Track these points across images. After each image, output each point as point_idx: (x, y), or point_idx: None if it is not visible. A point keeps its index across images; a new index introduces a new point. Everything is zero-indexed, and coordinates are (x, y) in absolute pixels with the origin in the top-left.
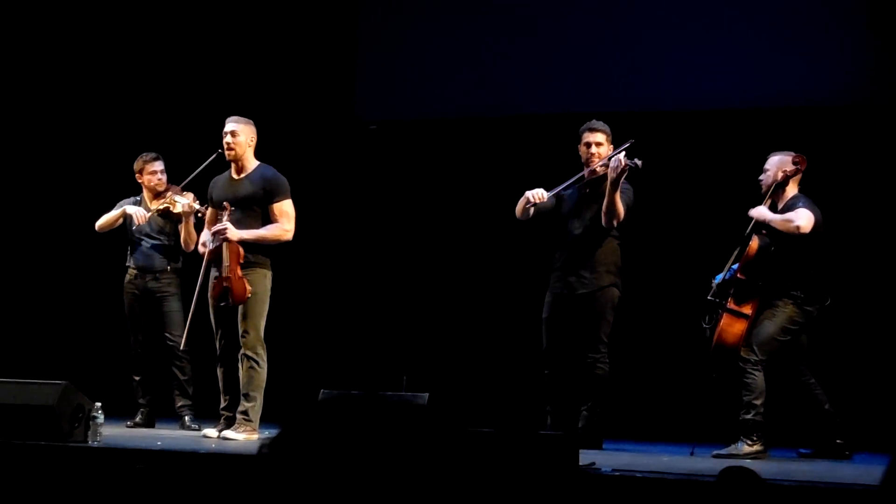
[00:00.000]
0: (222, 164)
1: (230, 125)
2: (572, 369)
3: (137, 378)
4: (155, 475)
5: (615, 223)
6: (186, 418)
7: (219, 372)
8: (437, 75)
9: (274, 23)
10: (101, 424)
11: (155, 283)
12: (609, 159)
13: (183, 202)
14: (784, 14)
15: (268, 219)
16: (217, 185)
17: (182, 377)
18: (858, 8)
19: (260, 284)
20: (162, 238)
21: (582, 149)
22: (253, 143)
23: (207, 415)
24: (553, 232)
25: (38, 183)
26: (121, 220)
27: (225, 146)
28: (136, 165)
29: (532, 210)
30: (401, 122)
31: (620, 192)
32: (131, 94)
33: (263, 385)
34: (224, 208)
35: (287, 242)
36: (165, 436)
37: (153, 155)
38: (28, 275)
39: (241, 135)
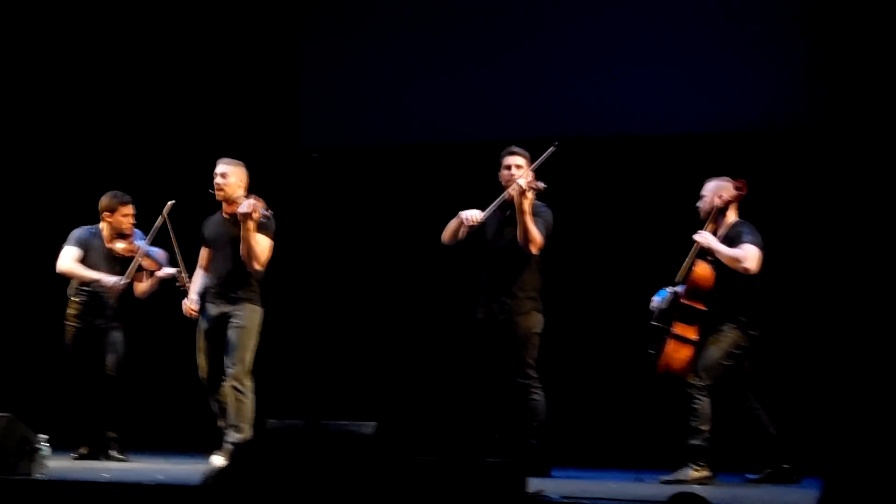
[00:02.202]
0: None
1: (221, 167)
2: (511, 394)
3: (83, 410)
4: None
5: (534, 250)
6: (114, 450)
7: (212, 402)
8: (379, 102)
9: (216, 51)
10: (46, 457)
11: (103, 319)
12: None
13: (169, 271)
14: (717, 39)
15: None
16: (210, 224)
17: (113, 408)
18: (795, 32)
19: (250, 319)
20: (114, 275)
21: (503, 173)
22: (243, 184)
23: (134, 445)
24: (479, 255)
25: None
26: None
27: (215, 186)
28: (107, 203)
29: (465, 232)
30: (343, 149)
31: (534, 216)
32: (71, 123)
33: (251, 416)
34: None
35: (254, 269)
36: (112, 467)
37: (128, 197)
38: None
39: (231, 176)
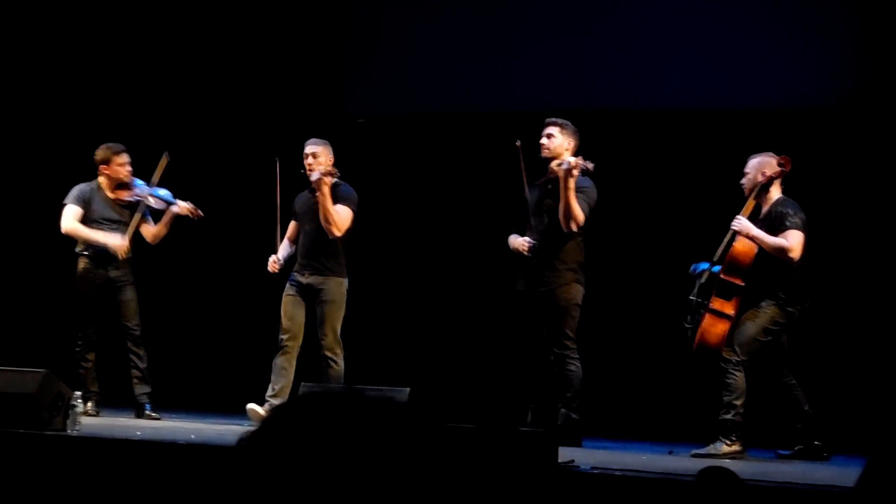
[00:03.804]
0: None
1: (310, 147)
2: (548, 365)
3: (87, 366)
4: (133, 465)
5: (574, 227)
6: (146, 407)
7: (275, 361)
8: (425, 70)
9: (264, 18)
10: (80, 413)
11: (115, 271)
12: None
13: (183, 204)
14: (767, 16)
15: None
16: (299, 199)
17: (142, 365)
18: (842, 9)
19: (337, 292)
20: (121, 227)
21: (541, 142)
22: (331, 161)
23: (164, 403)
24: (520, 227)
25: None
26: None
27: (307, 167)
28: (102, 155)
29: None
30: (389, 115)
31: (577, 193)
32: (116, 85)
33: (341, 381)
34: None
35: (333, 234)
36: (144, 425)
37: (121, 146)
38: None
39: (321, 156)
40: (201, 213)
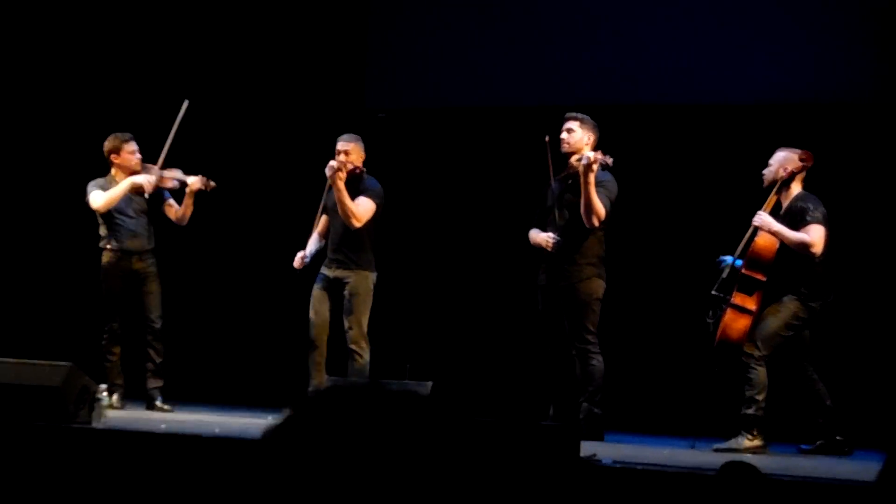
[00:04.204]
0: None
1: (341, 144)
2: (569, 359)
3: (113, 359)
4: (157, 457)
5: (596, 222)
6: (158, 399)
7: (311, 358)
8: (443, 65)
9: (286, 17)
10: (106, 406)
11: (140, 263)
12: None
13: (194, 179)
14: (791, 10)
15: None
16: (330, 194)
17: (158, 360)
18: (870, 7)
19: (362, 285)
20: (144, 217)
21: (561, 137)
22: (362, 158)
23: (177, 396)
24: (541, 221)
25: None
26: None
27: (336, 163)
28: (111, 145)
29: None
30: (409, 110)
31: (597, 187)
32: (138, 78)
33: (366, 373)
34: None
35: (352, 225)
36: (166, 418)
37: (128, 135)
38: (21, 258)
39: (352, 153)
40: (213, 184)
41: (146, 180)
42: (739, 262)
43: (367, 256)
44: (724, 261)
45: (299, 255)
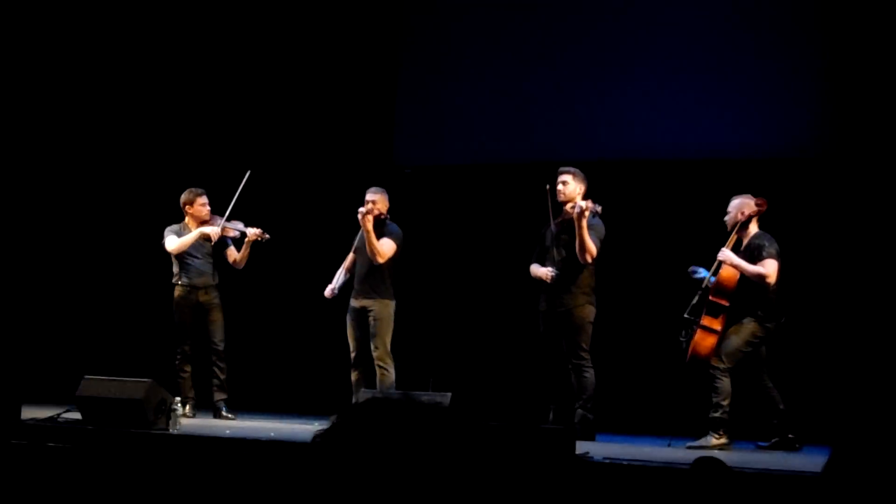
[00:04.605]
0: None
1: (370, 195)
2: (566, 373)
3: (185, 376)
4: (223, 458)
5: (589, 259)
6: (223, 409)
7: (352, 375)
8: (469, 124)
9: (322, 75)
10: (180, 416)
11: (206, 296)
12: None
13: (252, 230)
14: (744, 75)
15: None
16: (359, 237)
17: (222, 376)
18: (811, 77)
19: (384, 312)
20: (210, 258)
21: (557, 188)
22: (386, 207)
23: (238, 406)
24: (541, 258)
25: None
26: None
27: (365, 208)
28: (186, 198)
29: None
30: (433, 166)
31: (589, 229)
32: (183, 134)
33: (392, 385)
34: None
35: (376, 261)
36: (229, 425)
37: (201, 190)
38: (109, 293)
39: (378, 202)
40: (268, 236)
41: (213, 231)
42: (714, 278)
43: (388, 288)
44: (697, 271)
45: (329, 287)
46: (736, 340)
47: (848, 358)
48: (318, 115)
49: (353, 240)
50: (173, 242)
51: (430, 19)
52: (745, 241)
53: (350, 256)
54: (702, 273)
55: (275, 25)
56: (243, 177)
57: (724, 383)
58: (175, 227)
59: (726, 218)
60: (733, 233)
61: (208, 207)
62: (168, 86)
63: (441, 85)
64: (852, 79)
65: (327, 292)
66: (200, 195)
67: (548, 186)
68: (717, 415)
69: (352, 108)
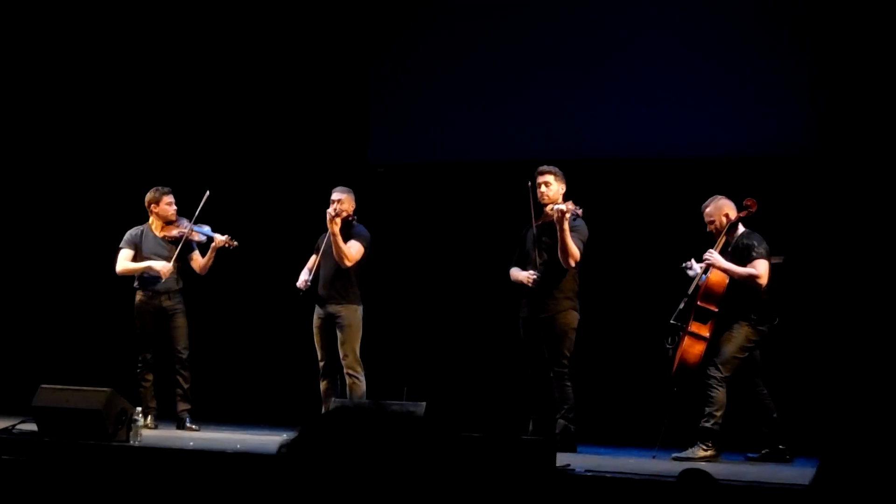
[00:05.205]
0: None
1: (336, 194)
2: (547, 381)
3: (146, 385)
4: (187, 471)
5: (572, 262)
6: (187, 420)
7: (321, 385)
8: (442, 122)
9: (293, 75)
10: (141, 427)
11: (168, 301)
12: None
13: (220, 237)
14: (733, 73)
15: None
16: (324, 238)
17: (186, 385)
18: (800, 64)
19: (353, 317)
20: (169, 259)
21: (538, 189)
22: (352, 208)
23: (202, 417)
24: (522, 261)
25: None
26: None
27: (333, 211)
28: (151, 197)
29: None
30: (406, 165)
31: (571, 232)
32: (148, 134)
33: (363, 394)
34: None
35: (344, 265)
36: (193, 436)
37: (167, 188)
38: (65, 299)
39: (344, 202)
40: (235, 243)
41: (163, 269)
42: (704, 277)
43: (355, 292)
44: (691, 267)
45: (302, 279)
46: (730, 348)
47: (840, 363)
48: (290, 116)
49: (318, 241)
50: (120, 265)
51: (402, 15)
52: (733, 242)
53: (313, 258)
54: (696, 269)
55: (246, 25)
56: (202, 197)
57: (720, 394)
58: (135, 230)
59: (710, 228)
60: (721, 236)
61: (174, 207)
62: (133, 85)
63: (415, 82)
64: (842, 76)
65: (300, 283)
66: (166, 194)
67: (530, 183)
68: (707, 425)
69: (324, 107)
